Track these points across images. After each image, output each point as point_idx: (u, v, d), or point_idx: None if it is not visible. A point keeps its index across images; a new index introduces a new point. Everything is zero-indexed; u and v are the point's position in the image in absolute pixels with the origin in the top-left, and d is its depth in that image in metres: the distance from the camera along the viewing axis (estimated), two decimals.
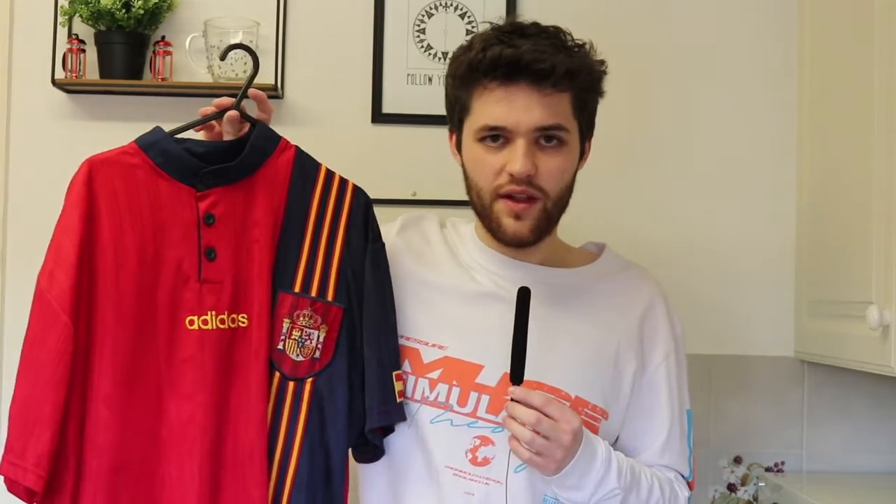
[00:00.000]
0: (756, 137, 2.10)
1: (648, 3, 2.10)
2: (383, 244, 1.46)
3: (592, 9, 2.07)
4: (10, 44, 2.06)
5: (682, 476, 1.53)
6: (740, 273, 2.09)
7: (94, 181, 1.34)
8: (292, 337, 1.38)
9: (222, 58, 1.51)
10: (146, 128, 2.03)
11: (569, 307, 1.50)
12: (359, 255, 1.43)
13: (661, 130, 2.09)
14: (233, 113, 1.42)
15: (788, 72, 2.08)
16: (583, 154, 1.50)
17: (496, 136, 1.41)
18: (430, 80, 2.07)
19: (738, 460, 2.07)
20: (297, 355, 1.38)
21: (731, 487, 2.07)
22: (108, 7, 1.95)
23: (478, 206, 1.47)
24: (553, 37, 1.42)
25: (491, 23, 1.46)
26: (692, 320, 2.04)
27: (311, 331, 1.39)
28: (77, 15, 1.99)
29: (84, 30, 2.02)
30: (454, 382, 1.44)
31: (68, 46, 2.00)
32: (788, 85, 2.08)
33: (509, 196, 1.41)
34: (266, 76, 2.04)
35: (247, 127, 1.44)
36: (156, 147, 1.37)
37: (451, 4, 2.08)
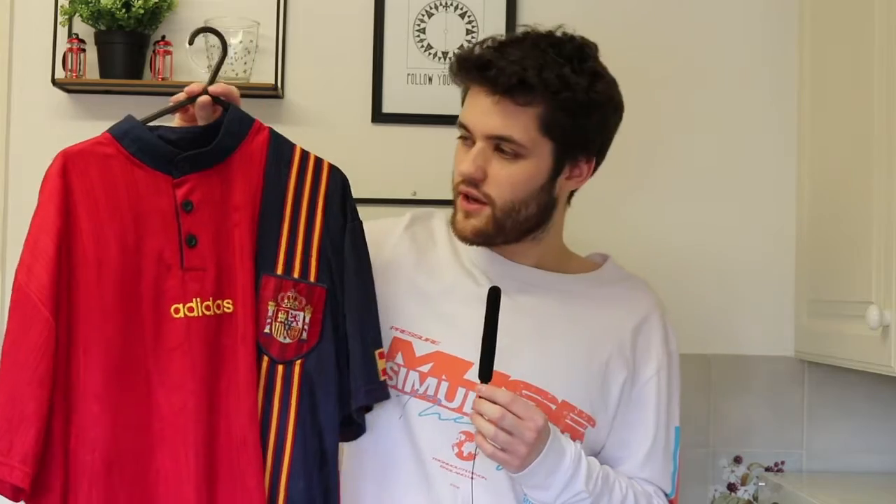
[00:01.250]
0: (756, 138, 2.10)
1: (649, 3, 2.10)
2: (360, 222, 1.45)
3: (592, 9, 2.07)
4: (10, 44, 2.06)
5: (664, 492, 1.52)
6: (740, 273, 2.09)
7: (69, 173, 1.32)
8: (278, 320, 1.37)
9: (190, 42, 1.48)
10: None
11: (561, 312, 1.50)
12: (338, 235, 1.42)
13: (662, 130, 2.09)
14: (204, 98, 1.41)
15: (789, 72, 2.08)
16: (560, 171, 1.45)
17: (466, 137, 1.44)
18: (430, 79, 2.07)
19: (738, 460, 2.07)
20: (285, 338, 1.37)
21: (731, 487, 2.07)
22: (108, 7, 1.95)
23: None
24: (549, 48, 1.39)
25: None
26: (692, 320, 2.05)
27: (297, 312, 1.38)
28: (77, 15, 1.99)
29: (84, 29, 2.02)
30: (443, 377, 1.45)
31: (68, 46, 2.00)
32: (789, 85, 2.08)
33: (464, 196, 1.44)
34: (266, 76, 2.04)
35: (220, 112, 1.43)
36: (129, 135, 1.36)
37: (451, 4, 2.08)
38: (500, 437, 1.34)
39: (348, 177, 1.92)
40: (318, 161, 1.45)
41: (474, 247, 1.52)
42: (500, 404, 1.34)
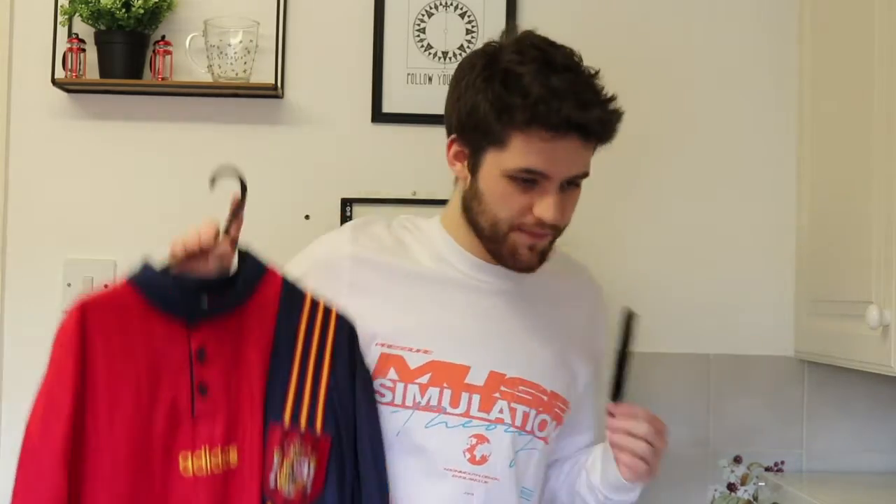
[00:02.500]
0: (756, 137, 2.10)
1: (648, 3, 2.10)
2: (367, 370, 1.45)
3: (592, 9, 2.07)
4: (10, 44, 2.06)
5: None
6: (740, 273, 2.09)
7: (88, 324, 1.29)
8: (283, 470, 1.36)
9: (212, 185, 1.43)
10: (146, 128, 2.06)
11: (536, 306, 1.53)
12: (344, 382, 1.42)
13: (662, 130, 2.09)
14: (225, 250, 1.39)
15: (789, 71, 2.08)
16: None
17: (532, 180, 1.40)
18: (430, 79, 2.07)
19: (738, 460, 2.07)
20: (289, 491, 1.36)
21: (731, 487, 2.07)
22: (108, 6, 1.95)
23: (487, 230, 1.44)
24: (591, 80, 1.41)
25: (530, 42, 1.41)
26: (692, 320, 2.05)
27: (302, 461, 1.37)
28: (77, 14, 1.99)
29: (84, 29, 2.02)
30: (445, 385, 1.45)
31: (68, 46, 2.00)
32: (789, 84, 2.08)
33: (531, 233, 1.43)
34: (266, 76, 2.04)
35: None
36: (148, 285, 1.34)
37: (451, 4, 2.08)
38: (648, 453, 1.42)
39: (348, 177, 1.93)
40: (327, 309, 1.44)
41: (453, 250, 1.52)
42: (642, 420, 1.42)
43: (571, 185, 1.43)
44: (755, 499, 2.06)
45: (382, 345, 1.46)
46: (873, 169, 1.69)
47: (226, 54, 1.98)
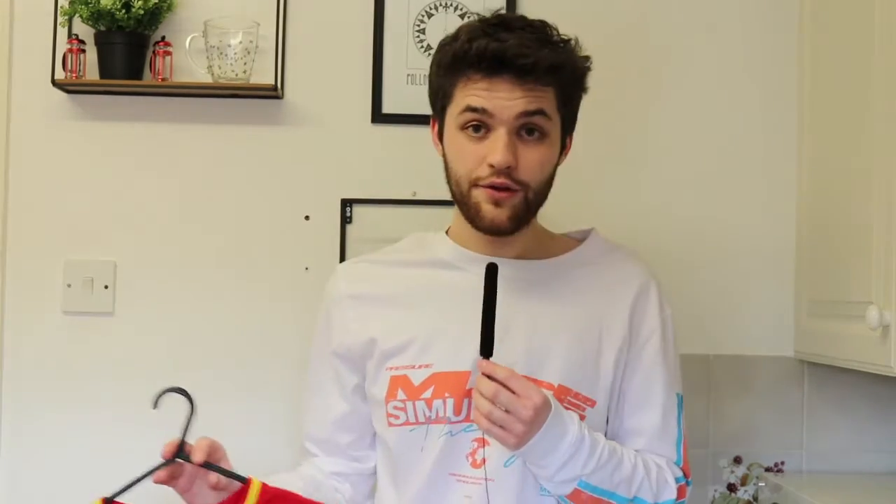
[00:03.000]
0: (756, 137, 2.10)
1: (648, 2, 2.09)
2: None
3: (591, 7, 2.07)
4: (10, 44, 2.06)
5: (672, 461, 1.53)
6: (740, 273, 2.09)
7: None
8: None
9: (154, 406, 1.39)
10: (146, 128, 2.07)
11: (548, 296, 1.50)
12: None
13: (661, 129, 2.09)
14: (200, 477, 1.38)
15: (789, 71, 2.08)
16: (563, 149, 1.50)
17: (478, 126, 1.42)
18: None
19: (738, 460, 2.07)
20: None
21: (731, 487, 2.07)
22: (108, 7, 1.95)
23: (457, 194, 1.47)
24: (539, 31, 1.42)
25: (478, 14, 1.47)
26: (692, 320, 2.05)
27: None
28: (77, 15, 1.99)
29: (84, 30, 2.02)
30: (446, 395, 1.45)
31: (68, 46, 2.00)
32: (789, 84, 2.08)
33: (490, 186, 1.41)
34: (266, 76, 2.04)
35: (214, 477, 1.39)
36: None
37: (451, 4, 2.08)
38: (495, 414, 1.32)
39: (348, 177, 1.92)
40: None
41: (454, 251, 1.53)
42: (498, 380, 1.33)
43: (532, 133, 1.41)
44: (755, 499, 2.06)
45: (390, 368, 1.49)
46: (873, 169, 1.69)
47: (226, 55, 1.98)
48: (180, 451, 1.37)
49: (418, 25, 2.08)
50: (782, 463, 2.07)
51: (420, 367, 1.47)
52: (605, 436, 1.50)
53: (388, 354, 1.50)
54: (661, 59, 2.09)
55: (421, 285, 1.53)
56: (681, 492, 1.51)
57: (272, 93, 2.03)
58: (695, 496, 2.04)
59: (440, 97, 1.48)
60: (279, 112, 2.07)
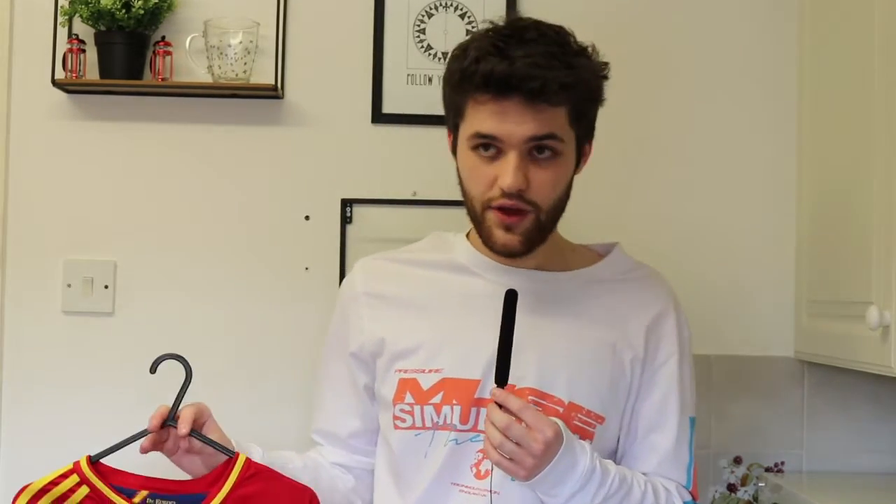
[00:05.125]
0: (756, 137, 2.10)
1: (648, 3, 2.10)
2: None
3: (592, 9, 2.06)
4: (10, 44, 2.06)
5: (682, 485, 1.51)
6: (740, 273, 2.09)
7: None
8: None
9: (152, 370, 1.45)
10: (146, 128, 2.06)
11: (563, 310, 1.49)
12: None
13: (662, 130, 2.09)
14: (184, 440, 1.43)
15: (789, 72, 2.08)
16: (581, 158, 1.48)
17: (488, 146, 1.39)
18: (430, 80, 2.07)
19: (738, 460, 2.07)
20: None
21: (731, 487, 2.07)
22: (108, 7, 1.95)
23: (471, 213, 1.45)
24: (553, 43, 1.38)
25: (491, 22, 1.43)
26: (692, 321, 2.02)
27: None
28: (77, 15, 1.99)
29: (84, 30, 2.02)
30: (454, 402, 1.44)
31: (68, 46, 2.00)
32: (789, 84, 2.08)
33: (500, 208, 1.40)
34: (266, 76, 2.04)
35: (198, 444, 1.43)
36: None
37: (451, 4, 2.08)
38: (506, 447, 1.31)
39: (348, 177, 1.92)
40: None
41: (472, 257, 1.52)
42: (510, 411, 1.32)
43: (542, 151, 1.39)
44: (755, 499, 2.06)
45: (399, 370, 1.48)
46: (873, 169, 1.69)
47: (226, 55, 1.98)
48: (170, 419, 1.41)
49: (418, 25, 2.08)
50: (782, 463, 2.07)
51: (430, 371, 1.46)
52: (616, 453, 1.50)
53: (397, 356, 1.49)
54: (661, 59, 2.09)
55: (436, 288, 1.52)
56: None
57: (272, 93, 2.03)
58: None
59: (452, 114, 1.45)
60: (279, 112, 2.07)
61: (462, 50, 1.41)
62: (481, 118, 1.38)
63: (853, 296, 1.75)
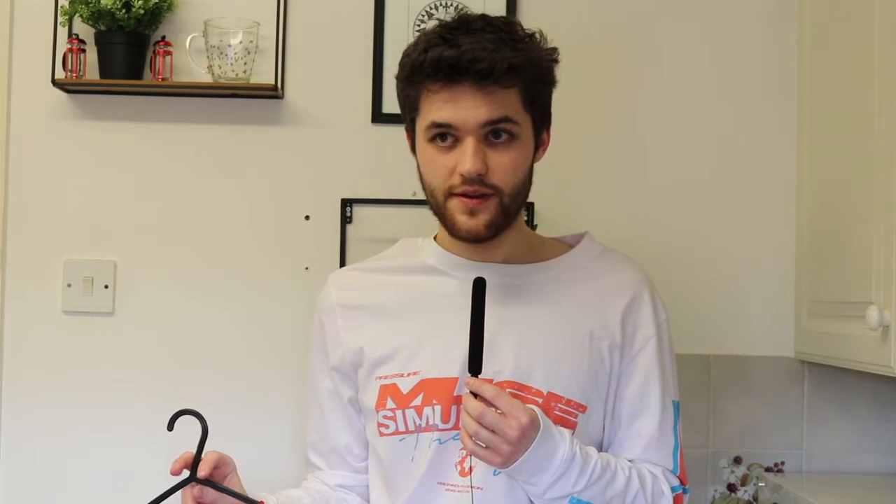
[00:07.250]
0: (756, 137, 2.10)
1: (648, 4, 2.10)
2: None
3: (592, 8, 2.06)
4: (10, 44, 2.07)
5: (669, 470, 1.51)
6: (740, 273, 2.09)
7: None
8: None
9: (170, 428, 1.39)
10: (146, 128, 2.06)
11: (536, 302, 1.48)
12: None
13: (660, 130, 2.09)
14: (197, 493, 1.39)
15: (789, 72, 2.08)
16: (539, 146, 1.48)
17: (445, 136, 1.40)
18: None
19: (738, 460, 2.07)
20: None
21: (731, 487, 2.07)
22: (109, 7, 1.95)
23: (433, 205, 1.46)
24: (499, 30, 1.40)
25: (440, 19, 1.45)
26: (692, 320, 2.05)
27: None
28: (77, 15, 1.99)
29: (84, 30, 2.02)
30: (434, 402, 1.44)
31: (68, 46, 2.00)
32: (789, 85, 2.08)
33: (463, 195, 1.40)
34: (266, 76, 2.04)
35: (199, 490, 1.40)
36: None
37: (451, 4, 2.08)
38: (481, 434, 1.31)
39: (348, 177, 1.92)
40: None
41: (441, 256, 1.52)
42: (485, 399, 1.32)
43: (499, 136, 1.39)
44: (755, 499, 2.06)
45: (380, 377, 1.48)
46: (873, 169, 1.69)
47: (226, 55, 1.98)
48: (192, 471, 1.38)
49: (418, 25, 2.08)
50: (782, 463, 2.07)
51: (408, 374, 1.46)
52: (602, 441, 1.50)
53: (376, 363, 1.49)
54: (661, 59, 2.09)
55: (408, 292, 1.52)
56: (677, 501, 1.49)
57: (272, 93, 2.03)
58: (695, 496, 2.05)
59: (408, 110, 1.47)
60: (279, 112, 2.08)
61: (412, 45, 1.44)
62: (435, 108, 1.40)
63: (853, 296, 1.75)
